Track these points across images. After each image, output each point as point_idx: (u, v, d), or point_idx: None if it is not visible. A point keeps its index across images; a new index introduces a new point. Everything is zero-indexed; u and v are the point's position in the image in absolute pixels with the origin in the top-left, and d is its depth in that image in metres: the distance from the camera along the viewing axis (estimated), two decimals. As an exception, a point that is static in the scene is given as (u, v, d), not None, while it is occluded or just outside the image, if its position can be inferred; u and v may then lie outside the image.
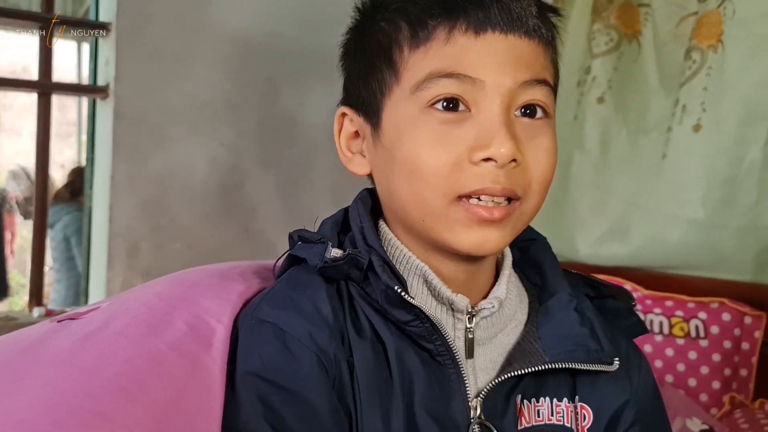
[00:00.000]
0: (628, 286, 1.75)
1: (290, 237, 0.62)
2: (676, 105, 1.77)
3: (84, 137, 2.01)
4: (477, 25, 0.55)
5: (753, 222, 1.61)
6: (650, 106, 1.85)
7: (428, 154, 0.55)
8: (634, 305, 0.68)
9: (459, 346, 0.59)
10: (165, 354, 0.56)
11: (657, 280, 1.75)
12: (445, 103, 0.55)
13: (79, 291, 3.05)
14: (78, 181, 3.06)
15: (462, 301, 0.59)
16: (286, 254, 0.63)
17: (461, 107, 0.55)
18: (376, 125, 0.60)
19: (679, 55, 1.78)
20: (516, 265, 0.66)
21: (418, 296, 0.60)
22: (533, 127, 0.57)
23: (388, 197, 0.61)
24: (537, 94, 0.57)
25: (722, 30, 1.66)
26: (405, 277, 0.60)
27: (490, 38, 0.55)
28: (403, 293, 0.56)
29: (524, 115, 0.57)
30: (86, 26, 1.85)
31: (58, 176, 4.82)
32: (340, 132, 0.64)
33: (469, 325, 0.59)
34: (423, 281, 0.60)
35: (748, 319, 1.58)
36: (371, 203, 0.64)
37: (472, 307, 0.60)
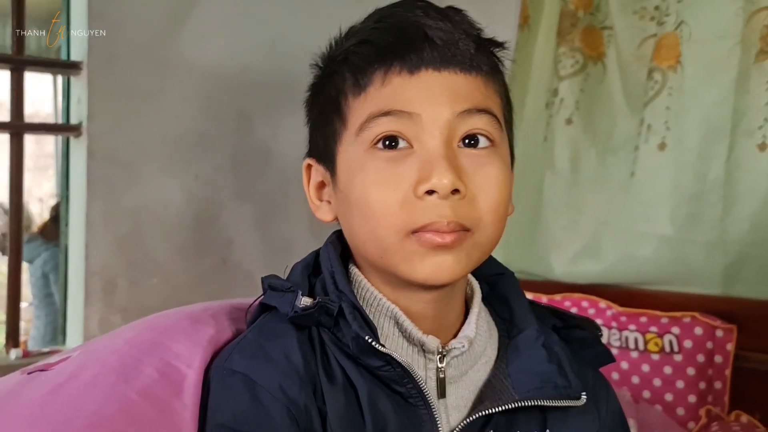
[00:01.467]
0: (602, 303, 1.78)
1: (262, 282, 0.63)
2: (641, 124, 1.81)
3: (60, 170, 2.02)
4: (411, 65, 0.57)
5: (720, 237, 1.65)
6: (617, 126, 1.89)
7: (376, 194, 0.57)
8: (601, 335, 0.69)
9: (431, 386, 0.60)
10: (135, 402, 0.57)
11: (630, 297, 1.78)
12: (386, 141, 0.57)
13: (57, 327, 3.03)
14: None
15: (432, 342, 0.60)
16: (257, 302, 0.64)
17: (402, 144, 0.57)
18: (333, 172, 0.62)
19: (642, 75, 1.83)
20: (485, 300, 0.68)
21: (389, 338, 0.61)
22: (478, 156, 0.58)
23: (351, 238, 0.62)
24: (478, 123, 0.58)
25: (680, 51, 1.71)
26: (376, 320, 0.61)
27: (424, 76, 0.57)
28: (373, 342, 0.56)
29: (468, 145, 0.58)
30: (58, 66, 1.86)
31: (37, 210, 4.78)
32: (308, 182, 0.66)
33: (440, 365, 0.60)
34: (394, 323, 0.61)
35: (719, 332, 1.61)
36: (341, 246, 0.65)
37: (443, 347, 0.61)
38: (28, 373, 0.61)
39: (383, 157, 0.57)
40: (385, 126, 0.57)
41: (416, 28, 0.57)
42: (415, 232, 0.56)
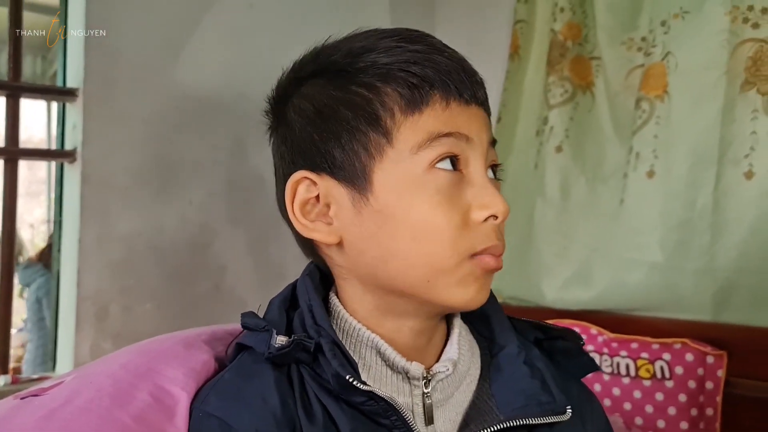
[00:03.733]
0: (594, 329, 1.79)
1: (241, 319, 0.63)
2: (630, 152, 1.84)
3: (54, 196, 2.02)
4: (462, 95, 0.61)
5: (708, 264, 1.66)
6: (606, 154, 1.92)
7: (441, 216, 0.58)
8: (583, 344, 0.70)
9: (417, 413, 0.60)
10: (129, 427, 0.57)
11: (621, 323, 1.78)
12: (450, 160, 0.59)
13: (47, 351, 3.04)
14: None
15: (417, 369, 0.60)
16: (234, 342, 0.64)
17: (458, 166, 0.60)
18: (363, 189, 0.59)
19: (630, 104, 1.86)
20: (464, 317, 0.68)
21: (372, 368, 0.61)
22: (496, 184, 0.63)
23: (381, 262, 0.60)
24: (494, 155, 0.64)
25: (667, 81, 1.75)
26: (357, 350, 0.61)
27: (473, 108, 0.62)
28: (354, 381, 0.56)
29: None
30: (54, 92, 1.88)
31: (27, 236, 4.75)
32: (293, 200, 0.62)
33: (425, 390, 0.61)
34: (376, 352, 0.61)
35: (710, 359, 1.61)
36: (318, 277, 0.65)
37: (427, 372, 0.61)
38: (21, 398, 0.61)
39: (446, 177, 0.58)
40: (448, 146, 0.59)
41: (451, 60, 0.61)
42: (473, 255, 0.58)
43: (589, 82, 1.99)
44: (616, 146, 1.90)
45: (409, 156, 0.58)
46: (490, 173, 0.63)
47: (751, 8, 1.62)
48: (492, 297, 0.69)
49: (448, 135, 0.59)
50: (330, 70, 0.62)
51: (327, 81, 0.62)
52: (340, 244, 0.61)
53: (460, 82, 0.61)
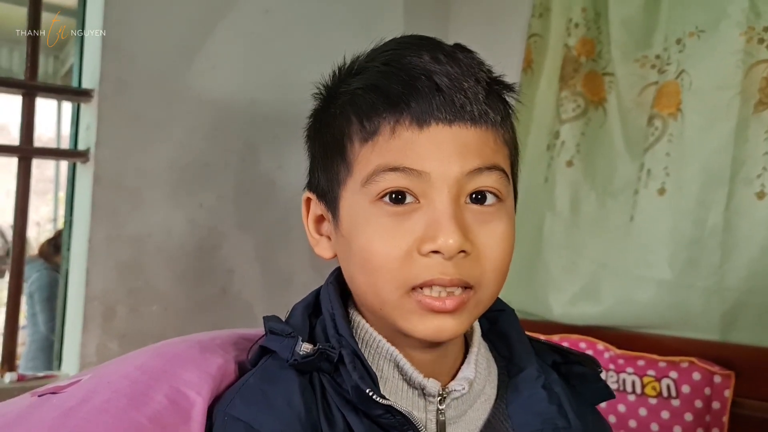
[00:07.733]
0: (600, 345, 1.78)
1: (264, 323, 0.64)
2: (641, 169, 1.84)
3: (61, 194, 2.02)
4: (420, 118, 0.55)
5: (718, 283, 1.66)
6: (617, 170, 1.92)
7: (379, 248, 0.56)
8: (600, 371, 0.70)
9: (431, 428, 0.60)
10: (145, 428, 0.57)
11: (628, 340, 1.78)
12: (393, 196, 0.56)
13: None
14: (59, 240, 3.10)
15: (433, 386, 0.60)
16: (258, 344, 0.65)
17: (409, 199, 0.56)
18: (335, 214, 0.61)
19: (642, 122, 1.86)
20: (485, 336, 0.68)
21: (389, 381, 0.61)
22: (484, 213, 0.57)
23: (351, 283, 0.62)
24: (487, 181, 0.57)
25: (680, 99, 1.75)
26: (376, 362, 0.61)
27: (434, 130, 0.55)
28: (374, 395, 0.56)
29: (475, 201, 0.57)
30: (69, 93, 1.89)
31: (33, 234, 4.78)
32: (308, 215, 0.66)
33: (440, 407, 0.61)
34: (394, 366, 0.61)
35: (717, 378, 1.61)
36: (341, 286, 0.65)
37: (443, 389, 0.61)
38: (39, 396, 0.61)
39: (389, 211, 0.56)
40: (392, 182, 0.56)
41: (426, 77, 0.56)
42: (414, 288, 0.56)
43: (602, 98, 1.99)
44: (627, 163, 1.90)
45: (360, 188, 0.58)
46: (468, 200, 0.57)
47: (766, 29, 1.62)
48: (513, 316, 0.69)
49: (394, 170, 0.56)
50: (329, 91, 0.64)
51: (324, 102, 0.64)
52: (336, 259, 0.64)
53: (416, 99, 0.55)
